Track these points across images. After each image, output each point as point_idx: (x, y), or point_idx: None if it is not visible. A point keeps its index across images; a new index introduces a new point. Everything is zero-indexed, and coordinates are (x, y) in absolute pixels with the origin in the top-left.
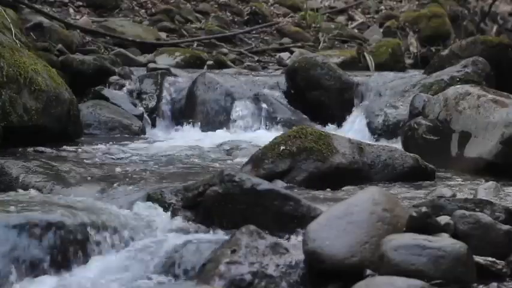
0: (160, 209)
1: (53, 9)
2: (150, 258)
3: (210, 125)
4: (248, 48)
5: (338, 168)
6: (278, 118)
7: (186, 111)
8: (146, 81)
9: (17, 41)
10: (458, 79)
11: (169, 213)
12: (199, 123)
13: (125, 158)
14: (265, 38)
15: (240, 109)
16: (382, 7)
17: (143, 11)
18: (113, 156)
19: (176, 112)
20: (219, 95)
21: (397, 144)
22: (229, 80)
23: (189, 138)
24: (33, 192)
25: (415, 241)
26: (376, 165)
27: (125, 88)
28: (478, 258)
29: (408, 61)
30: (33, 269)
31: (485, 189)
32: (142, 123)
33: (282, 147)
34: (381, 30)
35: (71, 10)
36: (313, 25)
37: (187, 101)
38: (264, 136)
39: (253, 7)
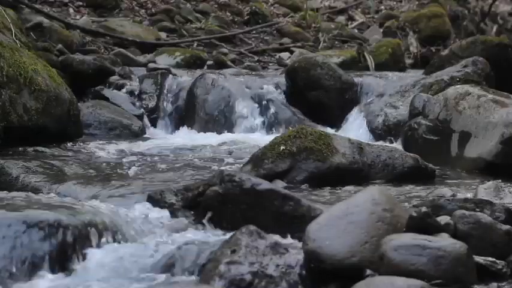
0: (161, 209)
1: (53, 9)
2: (150, 258)
3: (210, 125)
4: (248, 48)
5: (338, 168)
6: (278, 118)
7: (186, 111)
8: (146, 81)
9: (17, 41)
10: (458, 79)
11: (169, 213)
12: (199, 123)
13: (125, 158)
14: (265, 38)
15: (240, 109)
16: (382, 7)
17: (143, 11)
18: (112, 156)
19: (176, 112)
20: (219, 95)
21: (397, 144)
22: (229, 80)
23: (189, 138)
24: (32, 192)
25: (415, 241)
26: (376, 165)
27: (124, 88)
28: (478, 258)
29: (408, 61)
30: (33, 268)
31: (485, 189)
32: (142, 123)
33: (282, 147)
34: (381, 30)
35: (71, 10)
36: (313, 25)
37: (187, 101)
38: (264, 136)
39: (253, 7)
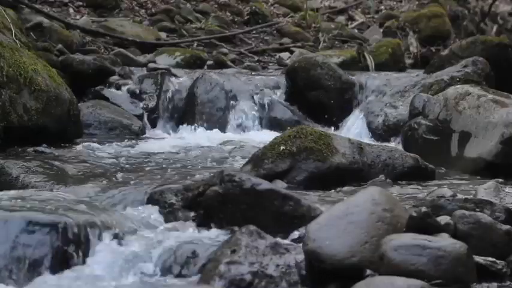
0: (161, 209)
1: (53, 9)
2: (150, 258)
3: (210, 125)
4: (248, 48)
5: (338, 168)
6: (278, 118)
7: (186, 111)
8: (146, 81)
9: (17, 41)
10: (458, 79)
11: (169, 213)
12: (199, 123)
13: (125, 158)
14: (265, 38)
15: (240, 109)
16: (382, 7)
17: (143, 11)
18: (112, 156)
19: (176, 112)
20: (219, 95)
21: (397, 144)
22: (229, 80)
23: (189, 138)
24: (33, 192)
25: (415, 241)
26: (376, 165)
27: (125, 88)
28: (478, 258)
29: (408, 61)
30: (33, 268)
31: (485, 189)
32: (142, 123)
33: (282, 147)
34: (381, 30)
35: (71, 10)
36: (313, 25)
37: (187, 101)
38: (264, 136)
39: (253, 7)
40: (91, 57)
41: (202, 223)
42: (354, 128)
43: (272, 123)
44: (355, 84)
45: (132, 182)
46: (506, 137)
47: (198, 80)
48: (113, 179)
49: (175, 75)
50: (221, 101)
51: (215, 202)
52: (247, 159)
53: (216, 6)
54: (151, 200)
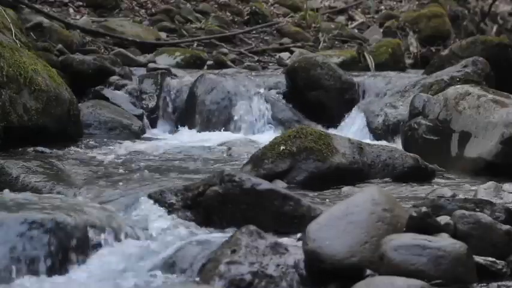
0: (160, 209)
1: (53, 9)
2: (150, 258)
3: (210, 125)
4: (248, 48)
5: (338, 168)
6: (278, 118)
7: (186, 111)
8: (146, 81)
9: (17, 41)
10: (458, 79)
11: (169, 213)
12: (199, 123)
13: (125, 158)
14: (265, 38)
15: (240, 109)
16: (382, 7)
17: (143, 11)
18: (113, 156)
19: (176, 112)
20: (219, 95)
21: (397, 144)
22: (229, 80)
23: (189, 138)
24: (32, 192)
25: (415, 241)
26: (376, 165)
27: (125, 88)
28: (478, 258)
29: (408, 61)
30: (33, 268)
31: (485, 189)
32: (142, 123)
33: (282, 147)
34: (381, 30)
35: (71, 10)
36: (313, 25)
37: (188, 101)
38: (264, 136)
39: (253, 7)
40: (91, 57)
41: (202, 223)
42: (353, 128)
43: (272, 123)
44: (355, 84)
45: (132, 182)
46: (506, 137)
47: (198, 80)
48: (113, 179)
49: (175, 75)
50: (221, 101)
51: (215, 202)
52: (247, 159)
53: (216, 6)
54: (151, 200)
